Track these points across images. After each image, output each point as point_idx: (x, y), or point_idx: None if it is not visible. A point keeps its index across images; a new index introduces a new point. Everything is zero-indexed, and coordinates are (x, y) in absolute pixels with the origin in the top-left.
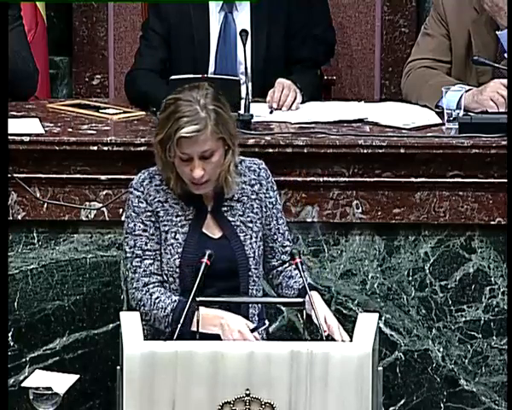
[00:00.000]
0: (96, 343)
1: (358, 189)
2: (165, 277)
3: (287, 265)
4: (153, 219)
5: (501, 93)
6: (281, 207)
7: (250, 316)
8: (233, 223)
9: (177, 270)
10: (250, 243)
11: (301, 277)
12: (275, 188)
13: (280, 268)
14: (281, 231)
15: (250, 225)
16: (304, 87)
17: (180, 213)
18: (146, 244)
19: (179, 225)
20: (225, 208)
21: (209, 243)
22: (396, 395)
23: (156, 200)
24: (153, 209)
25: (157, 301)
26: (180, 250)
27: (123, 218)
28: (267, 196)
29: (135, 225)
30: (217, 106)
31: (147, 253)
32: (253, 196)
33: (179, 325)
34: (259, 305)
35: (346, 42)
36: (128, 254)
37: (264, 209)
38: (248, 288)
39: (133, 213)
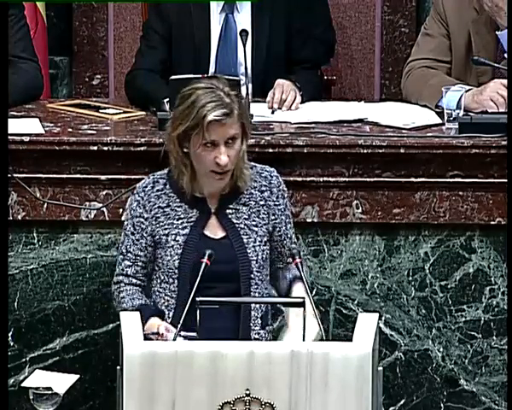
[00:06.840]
0: (95, 343)
1: (358, 189)
2: (165, 277)
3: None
4: (143, 226)
5: (501, 93)
6: (289, 212)
7: (253, 319)
8: (237, 225)
9: (176, 271)
10: (253, 246)
11: (301, 277)
12: (285, 195)
13: (283, 268)
14: (289, 236)
15: (255, 228)
16: (304, 87)
17: (182, 216)
18: (130, 247)
19: (180, 227)
20: (230, 211)
21: (210, 243)
22: (396, 395)
23: (156, 206)
24: (150, 215)
25: (122, 300)
26: (180, 251)
27: (123, 217)
28: (276, 203)
29: (127, 224)
30: (237, 92)
31: (128, 255)
32: (262, 203)
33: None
34: (263, 308)
35: (346, 42)
36: (119, 247)
37: (272, 217)
38: (250, 291)
39: (129, 214)
